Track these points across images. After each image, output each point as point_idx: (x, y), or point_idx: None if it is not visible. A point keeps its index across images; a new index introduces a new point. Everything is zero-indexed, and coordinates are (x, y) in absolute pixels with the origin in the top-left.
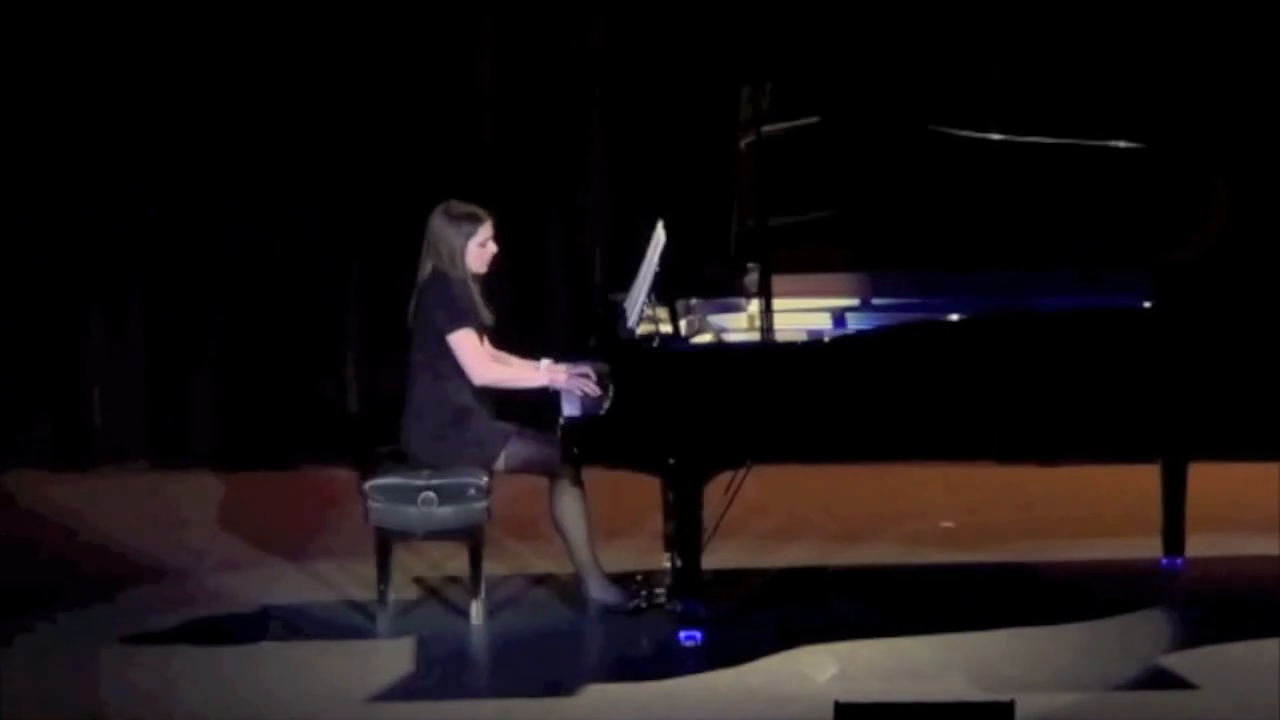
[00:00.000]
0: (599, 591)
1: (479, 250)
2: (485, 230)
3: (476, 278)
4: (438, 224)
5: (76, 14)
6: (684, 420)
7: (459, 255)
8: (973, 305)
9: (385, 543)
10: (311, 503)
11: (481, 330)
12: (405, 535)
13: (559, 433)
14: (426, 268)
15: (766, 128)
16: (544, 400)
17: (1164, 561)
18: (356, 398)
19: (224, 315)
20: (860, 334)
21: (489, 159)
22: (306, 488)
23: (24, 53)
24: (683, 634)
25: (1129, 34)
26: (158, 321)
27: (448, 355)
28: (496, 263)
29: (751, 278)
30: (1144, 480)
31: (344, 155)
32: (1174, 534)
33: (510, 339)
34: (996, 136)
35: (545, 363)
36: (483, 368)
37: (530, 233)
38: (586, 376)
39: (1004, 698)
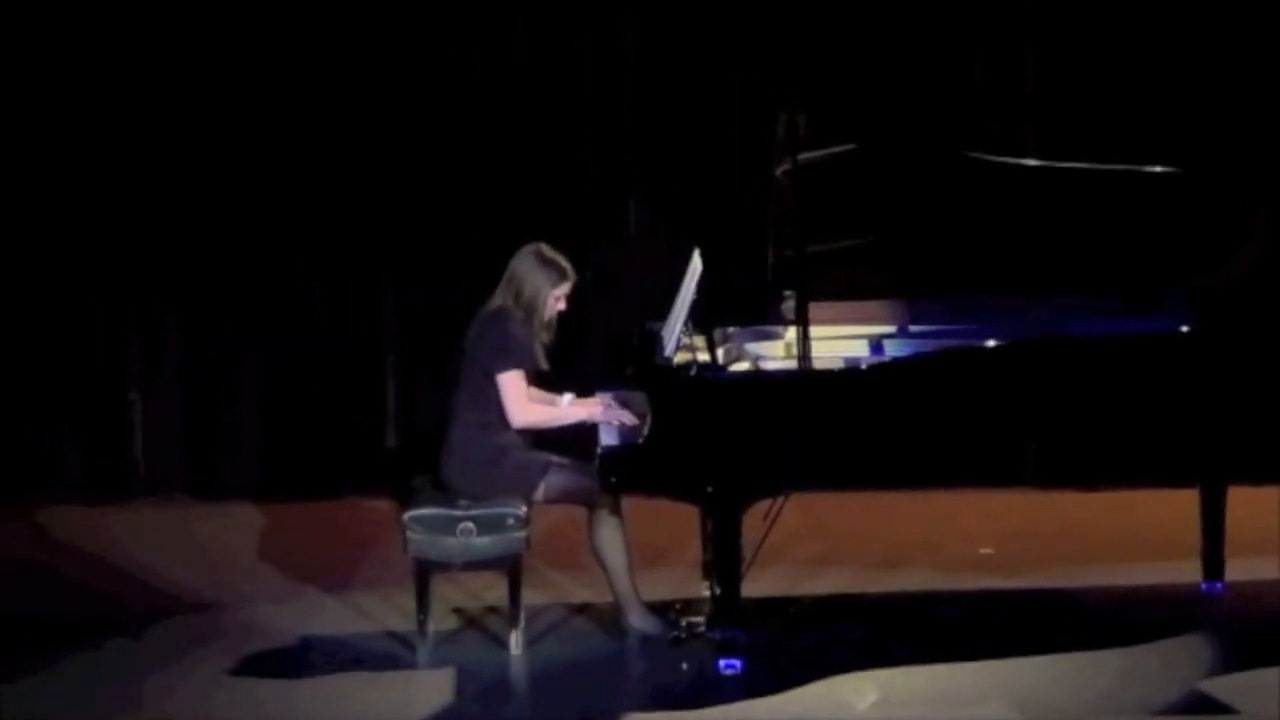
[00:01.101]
0: (639, 620)
1: (554, 301)
2: (567, 286)
3: (542, 326)
4: (527, 263)
5: (79, 17)
6: (722, 449)
7: (539, 299)
8: (1010, 331)
9: (424, 573)
10: (351, 534)
11: (532, 373)
12: (444, 566)
13: (597, 463)
14: (496, 301)
15: (803, 155)
16: (582, 431)
17: (1204, 586)
18: (395, 428)
19: (263, 345)
20: (897, 361)
21: (525, 188)
22: (346, 519)
23: (36, 57)
24: (722, 662)
25: (1165, 58)
26: (196, 351)
27: (494, 390)
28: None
29: (788, 305)
30: (1183, 504)
31: (386, 187)
32: (1214, 558)
33: (544, 372)
34: (1033, 163)
35: (568, 397)
36: (522, 412)
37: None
38: (616, 408)
39: None
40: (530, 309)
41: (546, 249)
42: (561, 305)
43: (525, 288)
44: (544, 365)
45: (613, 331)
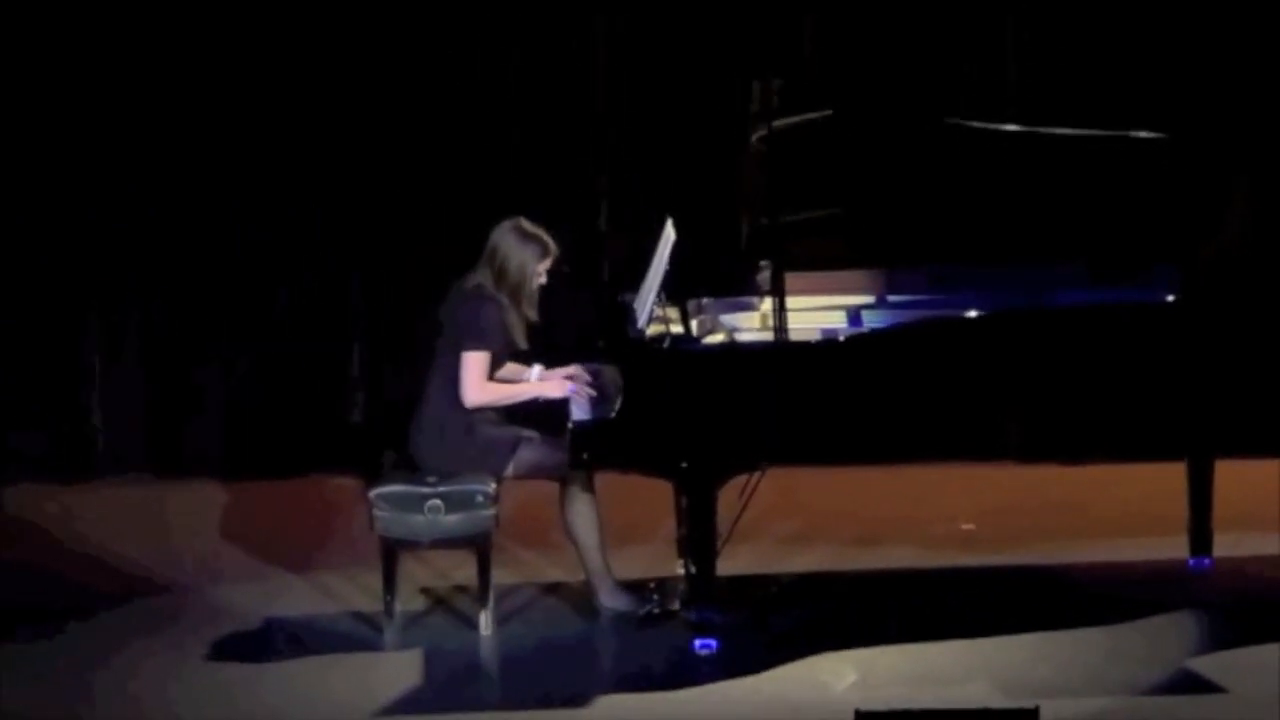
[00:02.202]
0: (610, 598)
1: (536, 279)
2: (550, 260)
3: (526, 301)
4: (507, 238)
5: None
6: (696, 423)
7: (526, 275)
8: (991, 302)
9: (391, 552)
10: (317, 512)
11: (504, 355)
12: (412, 544)
13: (568, 437)
14: (476, 278)
15: (778, 122)
16: (553, 404)
17: (1191, 562)
18: (362, 404)
19: (226, 319)
20: (876, 332)
21: (492, 157)
22: (311, 497)
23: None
24: (697, 642)
25: (1148, 23)
26: (158, 326)
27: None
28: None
29: (764, 275)
30: (1169, 479)
31: (346, 155)
32: (1201, 533)
33: (526, 349)
34: (1012, 128)
35: (537, 369)
36: (476, 391)
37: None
38: (576, 377)
39: (1029, 704)
40: (517, 286)
41: (527, 223)
42: (542, 279)
43: (510, 265)
44: (522, 344)
45: (584, 303)
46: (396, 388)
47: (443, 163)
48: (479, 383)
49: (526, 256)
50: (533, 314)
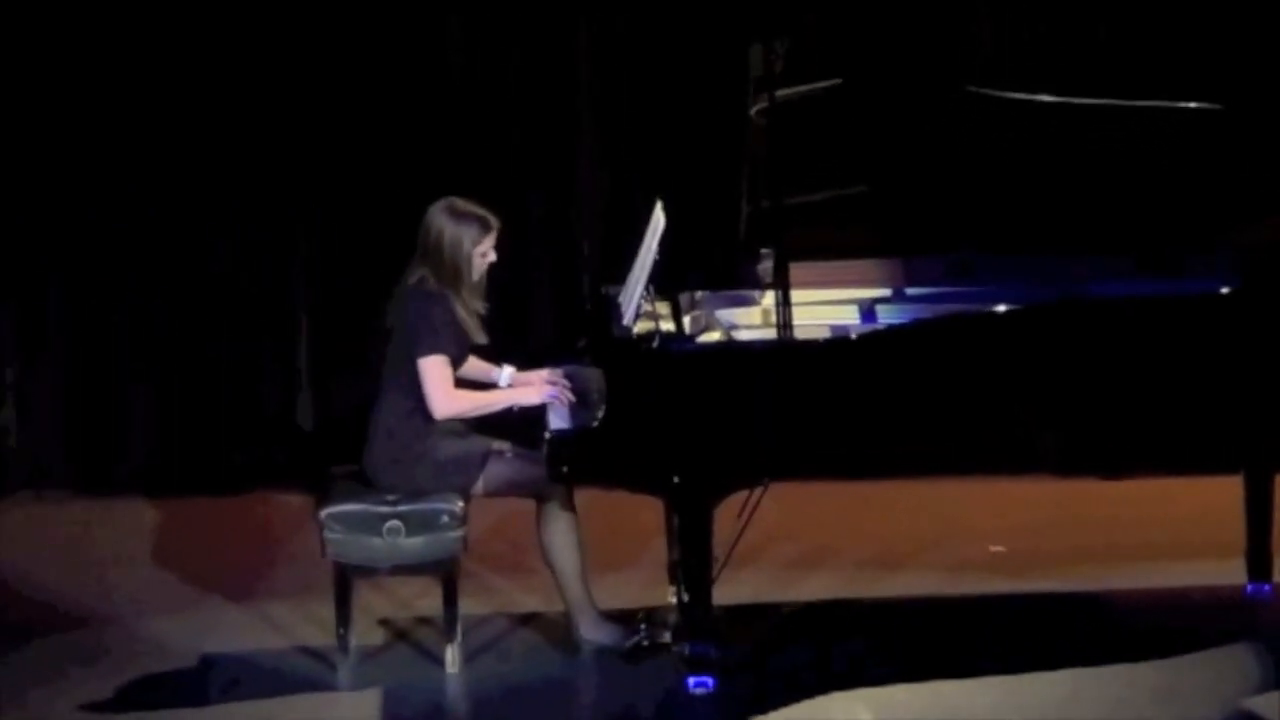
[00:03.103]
0: (592, 631)
1: (480, 260)
2: (492, 237)
3: (474, 291)
4: (440, 221)
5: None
6: (690, 432)
7: (463, 260)
8: (1023, 294)
9: (345, 579)
10: (259, 534)
11: (463, 353)
12: (368, 570)
13: (545, 449)
14: (417, 272)
15: (781, 92)
16: (530, 412)
17: (1249, 588)
18: (311, 412)
19: (158, 318)
20: (893, 329)
21: (457, 133)
22: (253, 516)
23: None
24: (691, 680)
25: None
26: (81, 326)
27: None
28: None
29: (765, 266)
30: (1225, 494)
31: (291, 139)
32: (1260, 556)
33: (486, 344)
34: (1048, 98)
35: (508, 371)
36: (446, 400)
37: (508, 218)
38: (556, 383)
39: None
40: (455, 274)
41: (459, 201)
42: (490, 258)
43: (445, 252)
44: (481, 339)
45: (562, 297)
46: (348, 392)
47: (390, 139)
48: (445, 391)
49: (464, 238)
50: (481, 305)
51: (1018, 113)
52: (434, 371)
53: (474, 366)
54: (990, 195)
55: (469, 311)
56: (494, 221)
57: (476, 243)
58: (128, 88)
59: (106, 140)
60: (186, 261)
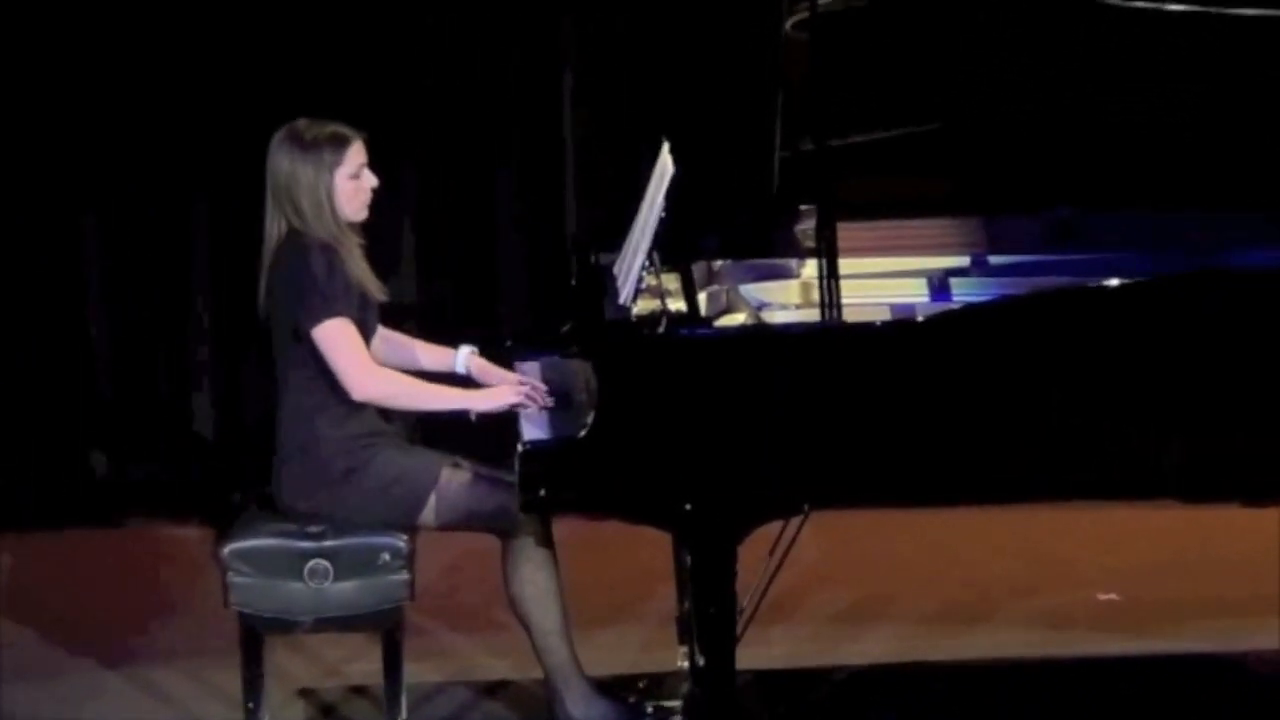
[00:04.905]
0: (579, 706)
1: (351, 186)
2: (356, 154)
3: (353, 229)
4: (284, 159)
5: None
6: (706, 444)
7: (326, 199)
8: (1142, 265)
9: (255, 637)
10: (141, 578)
11: (367, 318)
12: (286, 625)
13: (517, 467)
14: (275, 228)
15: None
16: (499, 417)
17: None
18: (211, 416)
19: (22, 298)
20: (972, 309)
21: (399, 65)
22: (134, 556)
23: None
24: None
25: None
26: None
27: (322, 358)
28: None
29: (805, 227)
30: None
31: (205, 99)
32: None
33: (441, 323)
34: (1179, 7)
35: (465, 351)
36: (364, 374)
37: (471, 167)
38: (527, 385)
39: None
40: (319, 214)
41: (301, 124)
42: (368, 180)
43: (297, 192)
44: (380, 295)
45: (541, 267)
46: (257, 397)
47: (321, 76)
48: (360, 362)
49: (315, 167)
50: (358, 249)
51: (1139, 24)
52: (337, 338)
53: (419, 351)
54: (1100, 136)
55: (357, 261)
56: (350, 133)
57: (335, 166)
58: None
59: None
60: (59, 237)
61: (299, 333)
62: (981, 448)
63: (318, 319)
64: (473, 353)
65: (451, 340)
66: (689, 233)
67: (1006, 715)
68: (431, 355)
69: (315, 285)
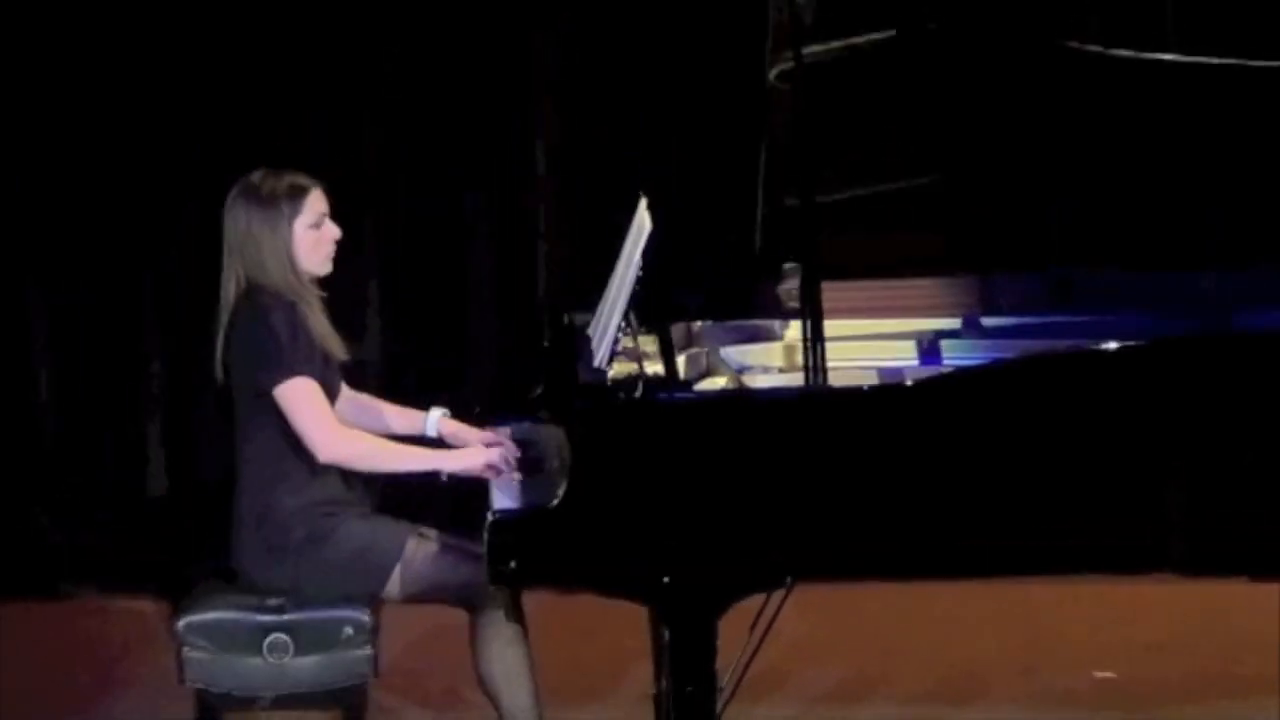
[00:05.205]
0: None
1: (311, 237)
2: (315, 202)
3: (315, 283)
4: (240, 214)
5: None
6: (684, 513)
7: (285, 254)
8: (1143, 325)
9: (212, 713)
10: (91, 653)
11: (330, 378)
12: (244, 702)
13: (485, 536)
14: (232, 286)
15: (811, 49)
16: (464, 482)
17: None
18: (164, 477)
19: None
20: (963, 373)
21: (363, 116)
22: (82, 629)
23: None
24: None
25: None
26: None
27: (284, 420)
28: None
29: (789, 287)
30: None
31: (169, 118)
32: None
33: (405, 385)
34: (1171, 58)
35: (436, 414)
36: (329, 433)
37: (440, 219)
38: (498, 445)
39: None
40: (280, 269)
41: (256, 177)
42: (331, 232)
43: (254, 248)
44: (341, 354)
45: (512, 326)
46: (214, 457)
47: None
48: (326, 421)
49: (273, 221)
50: (318, 302)
51: (1133, 77)
52: (301, 397)
53: (388, 414)
54: (1096, 190)
55: (319, 318)
56: (308, 182)
57: (294, 216)
58: None
59: None
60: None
61: (259, 393)
62: (973, 519)
63: (279, 378)
64: (444, 415)
65: (417, 403)
66: (667, 293)
67: None
68: (401, 419)
69: (277, 343)
